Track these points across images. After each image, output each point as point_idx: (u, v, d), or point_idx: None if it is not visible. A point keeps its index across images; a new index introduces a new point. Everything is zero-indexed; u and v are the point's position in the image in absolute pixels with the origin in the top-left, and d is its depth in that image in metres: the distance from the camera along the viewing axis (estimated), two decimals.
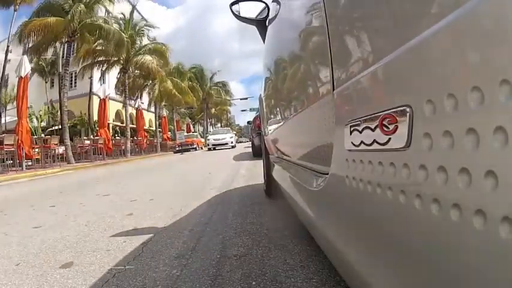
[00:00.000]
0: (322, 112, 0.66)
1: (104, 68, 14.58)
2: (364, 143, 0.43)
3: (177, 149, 18.17)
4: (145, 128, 20.49)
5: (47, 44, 10.75)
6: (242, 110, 41.56)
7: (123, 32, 12.62)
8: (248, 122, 12.91)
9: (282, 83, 1.25)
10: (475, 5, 0.24)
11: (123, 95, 14.99)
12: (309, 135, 0.88)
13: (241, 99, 37.61)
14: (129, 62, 14.27)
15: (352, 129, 0.47)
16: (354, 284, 0.56)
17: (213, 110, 36.50)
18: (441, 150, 0.28)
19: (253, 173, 4.23)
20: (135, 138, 15.48)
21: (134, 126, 17.15)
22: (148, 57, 14.49)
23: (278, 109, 1.46)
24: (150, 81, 17.32)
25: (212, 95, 32.53)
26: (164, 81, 17.49)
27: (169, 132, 21.20)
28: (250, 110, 33.28)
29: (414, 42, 0.31)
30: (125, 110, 14.82)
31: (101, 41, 11.58)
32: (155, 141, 17.79)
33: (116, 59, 13.77)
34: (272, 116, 1.66)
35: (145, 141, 15.62)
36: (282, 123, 1.29)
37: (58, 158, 9.07)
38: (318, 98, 0.70)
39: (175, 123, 23.19)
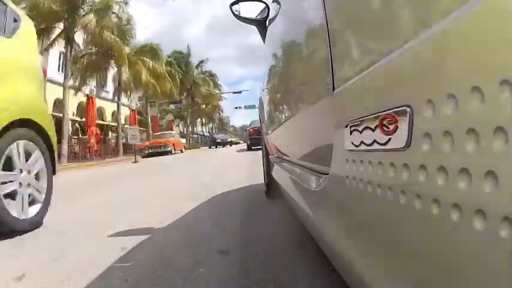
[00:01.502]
0: (322, 112, 0.66)
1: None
2: (364, 143, 0.43)
3: (147, 151, 13.73)
4: (105, 123, 14.96)
5: None
6: (236, 107, 38.29)
7: None
8: (243, 128, 12.39)
9: (282, 83, 1.25)
10: (475, 5, 0.24)
11: (64, 75, 10.69)
12: (309, 136, 0.88)
13: (234, 92, 34.20)
14: (72, 30, 10.40)
15: (352, 129, 0.47)
16: (354, 284, 0.56)
17: (203, 106, 30.93)
18: (441, 150, 0.28)
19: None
20: (80, 136, 11.16)
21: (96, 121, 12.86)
22: (107, 33, 10.82)
23: (278, 109, 1.46)
24: (113, 61, 12.83)
25: (198, 84, 27.04)
26: (133, 62, 13.33)
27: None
28: (246, 107, 30.24)
29: (414, 42, 0.31)
30: (64, 96, 10.55)
31: None
32: (113, 141, 13.17)
33: (55, 25, 10.07)
34: (272, 116, 1.66)
35: (95, 141, 11.20)
36: (282, 123, 1.29)
37: None
38: (318, 98, 0.70)
39: (149, 119, 17.70)
